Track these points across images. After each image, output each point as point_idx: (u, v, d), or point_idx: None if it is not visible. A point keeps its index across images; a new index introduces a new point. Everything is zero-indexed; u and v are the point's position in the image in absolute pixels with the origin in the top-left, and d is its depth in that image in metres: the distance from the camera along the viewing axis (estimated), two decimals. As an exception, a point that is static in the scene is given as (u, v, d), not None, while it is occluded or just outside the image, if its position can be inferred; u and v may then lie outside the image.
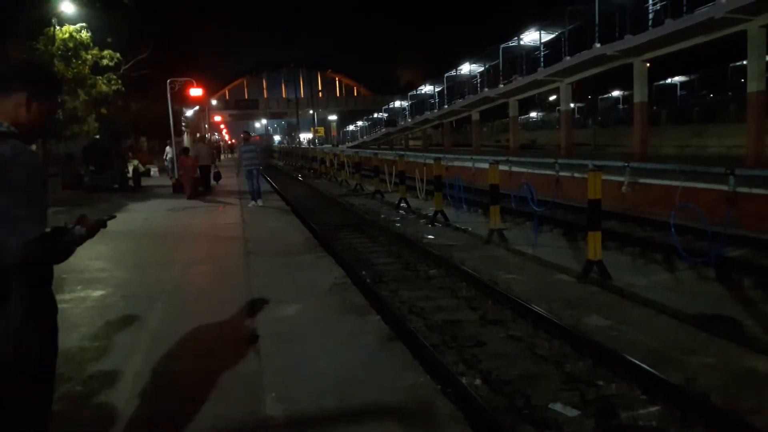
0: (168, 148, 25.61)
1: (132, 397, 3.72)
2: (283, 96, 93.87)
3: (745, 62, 19.80)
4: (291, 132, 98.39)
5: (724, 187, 7.14)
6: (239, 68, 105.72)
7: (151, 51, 21.34)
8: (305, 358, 4.36)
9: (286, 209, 14.35)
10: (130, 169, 22.26)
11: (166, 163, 27.52)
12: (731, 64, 34.15)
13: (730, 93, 34.18)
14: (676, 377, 4.42)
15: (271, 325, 5.15)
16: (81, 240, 2.00)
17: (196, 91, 23.83)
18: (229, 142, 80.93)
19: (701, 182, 10.29)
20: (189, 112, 39.56)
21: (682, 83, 42.12)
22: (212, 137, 58.01)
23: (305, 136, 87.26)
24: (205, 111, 55.72)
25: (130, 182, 21.00)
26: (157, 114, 25.32)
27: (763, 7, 16.35)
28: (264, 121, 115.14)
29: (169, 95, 20.90)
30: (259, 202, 14.54)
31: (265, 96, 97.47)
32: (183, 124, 35.13)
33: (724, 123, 28.97)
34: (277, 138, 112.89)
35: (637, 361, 4.55)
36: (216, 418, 3.43)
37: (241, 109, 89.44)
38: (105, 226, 2.16)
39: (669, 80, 42.02)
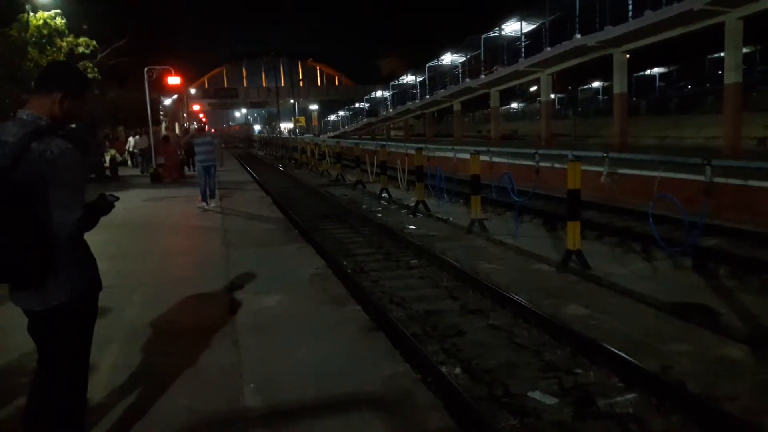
0: (136, 138, 24.70)
1: (107, 389, 3.67)
2: (264, 85, 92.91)
3: (722, 54, 20.04)
4: (271, 121, 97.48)
5: (702, 178, 7.22)
6: (218, 57, 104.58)
7: (128, 39, 20.99)
8: (285, 348, 4.33)
9: (266, 200, 14.24)
10: (107, 158, 21.93)
11: (125, 155, 26.38)
12: (709, 56, 34.56)
13: (707, 84, 34.63)
14: (652, 365, 4.47)
15: (251, 315, 5.11)
16: (104, 214, 2.54)
17: (174, 80, 23.48)
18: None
19: (679, 173, 10.42)
20: (167, 101, 39.03)
21: (661, 74, 42.58)
22: (191, 126, 57.23)
23: (286, 126, 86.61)
24: (183, 100, 54.97)
25: (107, 172, 20.70)
26: (135, 103, 24.90)
27: None
28: (244, 111, 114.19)
29: (146, 84, 20.58)
30: (212, 204, 12.55)
31: (245, 85, 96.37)
32: (161, 113, 34.63)
33: (702, 114, 29.38)
34: (257, 127, 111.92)
35: (614, 350, 4.59)
36: (193, 410, 3.39)
37: (220, 98, 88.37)
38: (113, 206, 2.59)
39: (648, 71, 42.46)
